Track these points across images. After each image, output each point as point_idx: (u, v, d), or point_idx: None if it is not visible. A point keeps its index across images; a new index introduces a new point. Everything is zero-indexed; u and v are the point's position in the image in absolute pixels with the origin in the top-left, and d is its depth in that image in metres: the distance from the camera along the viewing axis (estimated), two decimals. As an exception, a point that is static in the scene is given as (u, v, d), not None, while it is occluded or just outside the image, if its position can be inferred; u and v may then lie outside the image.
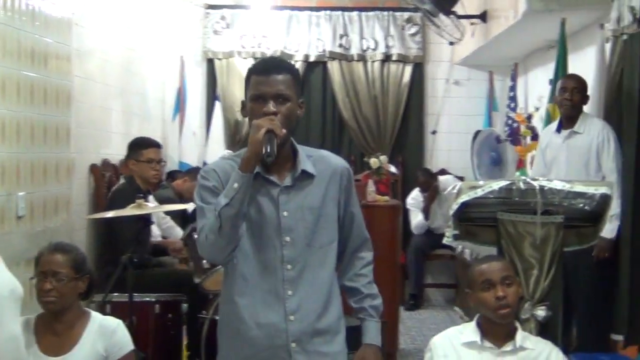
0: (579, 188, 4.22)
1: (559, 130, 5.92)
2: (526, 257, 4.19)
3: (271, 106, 2.89)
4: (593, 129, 5.74)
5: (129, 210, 5.03)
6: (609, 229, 5.36)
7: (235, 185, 2.80)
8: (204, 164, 9.56)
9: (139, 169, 5.98)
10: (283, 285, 2.95)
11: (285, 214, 2.95)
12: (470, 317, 3.76)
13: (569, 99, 5.81)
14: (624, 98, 5.57)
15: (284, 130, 2.85)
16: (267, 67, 2.97)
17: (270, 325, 2.95)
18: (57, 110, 5.76)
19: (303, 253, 2.97)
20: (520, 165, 8.10)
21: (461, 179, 9.37)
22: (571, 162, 5.79)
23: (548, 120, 6.61)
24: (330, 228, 3.07)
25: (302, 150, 3.05)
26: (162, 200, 6.81)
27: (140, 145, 6.08)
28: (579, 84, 5.85)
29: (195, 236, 5.18)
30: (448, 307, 9.50)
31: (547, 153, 6.02)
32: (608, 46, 5.99)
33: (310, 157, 3.05)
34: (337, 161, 3.16)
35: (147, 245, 5.95)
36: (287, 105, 2.92)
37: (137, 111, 8.29)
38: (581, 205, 4.23)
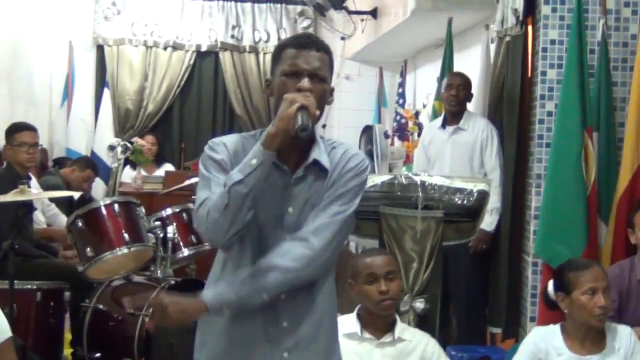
0: (458, 184, 4.34)
1: (443, 126, 6.03)
2: (407, 251, 4.29)
3: (306, 82, 2.57)
4: (477, 126, 5.87)
5: (10, 196, 4.94)
6: (488, 222, 5.51)
7: (254, 161, 2.48)
8: (92, 152, 9.45)
9: (13, 153, 5.87)
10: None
11: (290, 210, 2.65)
12: (343, 310, 3.82)
13: (455, 95, 5.92)
14: (505, 98, 5.73)
15: (318, 112, 2.56)
16: (305, 42, 2.65)
17: (259, 329, 2.66)
18: (-62, 93, 5.62)
19: None
20: (408, 161, 8.23)
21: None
22: (455, 158, 5.90)
23: (434, 116, 6.73)
24: None
25: (323, 142, 2.70)
26: (48, 187, 6.70)
27: (13, 130, 5.96)
28: (464, 82, 5.98)
29: (80, 224, 5.15)
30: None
31: (430, 149, 6.11)
32: (493, 47, 6.14)
33: (332, 150, 2.71)
34: (352, 152, 2.74)
35: (30, 232, 5.85)
36: (323, 86, 2.61)
37: (24, 96, 8.13)
38: (460, 200, 4.35)
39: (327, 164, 2.66)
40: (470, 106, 6.09)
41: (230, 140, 2.70)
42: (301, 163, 2.64)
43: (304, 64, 2.59)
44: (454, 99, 5.92)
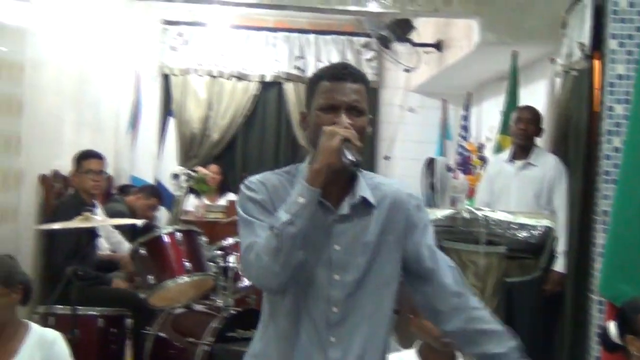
0: (521, 220, 4.30)
1: (512, 160, 5.97)
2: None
3: (344, 118, 2.49)
4: (547, 163, 5.80)
5: (75, 223, 5.01)
6: (561, 264, 5.44)
7: (301, 199, 2.40)
8: (156, 180, 9.54)
9: (80, 180, 5.96)
10: (326, 331, 2.55)
11: (337, 247, 2.54)
12: (403, 346, 3.78)
13: (524, 129, 5.87)
14: (571, 133, 5.66)
15: (360, 143, 2.46)
16: (340, 73, 2.55)
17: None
18: (7, 119, 5.72)
19: (353, 295, 2.56)
20: (471, 194, 8.16)
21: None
22: (522, 193, 5.83)
23: (498, 150, 6.67)
24: (388, 268, 2.62)
25: (362, 176, 2.61)
26: (113, 214, 6.77)
27: (81, 157, 6.06)
28: (534, 116, 5.92)
29: (142, 251, 5.20)
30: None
31: (496, 181, 6.04)
32: (558, 80, 6.08)
33: (368, 184, 2.62)
34: (400, 188, 2.69)
35: (93, 259, 5.92)
36: (362, 118, 2.53)
37: (90, 123, 8.24)
38: (524, 236, 4.30)
39: (372, 199, 2.58)
40: (537, 142, 6.03)
41: (267, 178, 2.61)
42: (343, 198, 2.56)
43: (340, 97, 2.52)
44: (522, 133, 5.86)
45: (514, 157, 5.96)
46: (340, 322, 2.54)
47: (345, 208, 2.55)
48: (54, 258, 5.60)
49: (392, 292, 2.65)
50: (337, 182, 2.52)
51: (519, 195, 5.82)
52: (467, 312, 2.70)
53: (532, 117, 5.90)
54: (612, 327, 3.75)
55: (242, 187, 2.61)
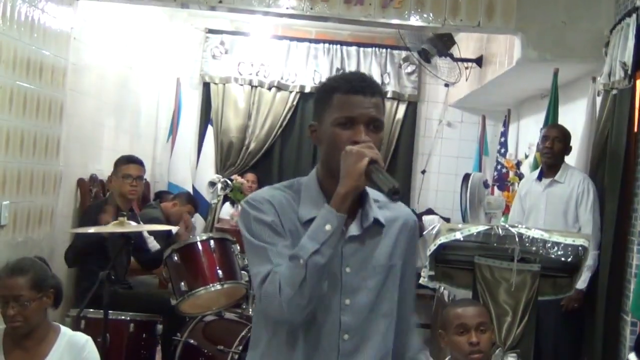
0: (556, 238, 4.25)
1: (540, 178, 5.97)
2: (500, 303, 4.22)
3: (363, 134, 2.32)
4: (574, 180, 5.80)
5: (110, 227, 5.04)
6: (580, 280, 5.39)
7: (328, 227, 2.22)
8: (193, 187, 9.58)
9: (117, 184, 5.99)
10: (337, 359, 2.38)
11: (348, 270, 2.37)
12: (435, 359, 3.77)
13: (550, 148, 5.88)
14: (609, 152, 5.62)
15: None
16: (358, 86, 2.36)
17: None
18: (48, 122, 5.79)
19: (365, 321, 2.39)
20: (507, 211, 8.11)
21: (447, 220, 9.40)
22: (550, 211, 5.83)
23: (535, 168, 6.64)
24: (394, 293, 2.47)
25: (370, 193, 2.44)
26: (148, 220, 6.81)
27: (120, 162, 6.10)
28: (561, 134, 5.92)
29: (175, 258, 5.20)
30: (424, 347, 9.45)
31: (526, 200, 6.06)
32: (599, 99, 6.04)
33: (376, 202, 2.45)
34: (407, 211, 2.56)
35: (126, 265, 5.96)
36: (380, 134, 2.37)
37: (129, 129, 8.32)
38: (558, 255, 4.26)
39: (382, 219, 2.43)
40: (572, 159, 6.00)
41: (272, 195, 2.42)
42: (351, 218, 2.37)
43: (360, 109, 2.34)
44: (548, 151, 5.87)
45: (542, 175, 5.96)
46: (352, 350, 2.38)
47: (356, 229, 2.39)
48: (95, 261, 5.64)
49: (394, 320, 2.48)
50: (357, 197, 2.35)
51: (547, 213, 5.83)
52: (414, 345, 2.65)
53: (559, 135, 5.90)
54: (633, 356, 3.73)
55: (245, 205, 2.42)
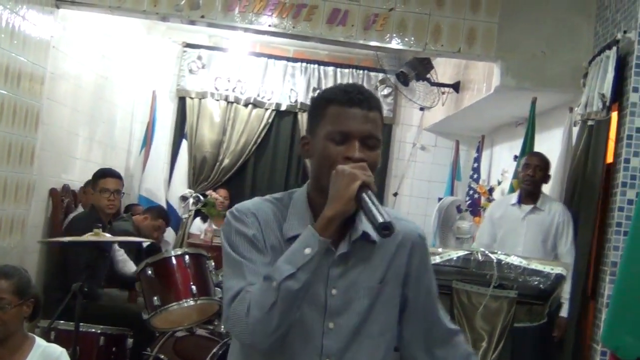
0: (535, 265, 4.27)
1: (519, 204, 5.99)
2: (477, 329, 4.22)
3: (358, 151, 2.16)
4: (554, 209, 5.84)
5: (85, 237, 5.00)
6: (565, 309, 5.45)
7: (308, 250, 2.07)
8: (166, 202, 9.53)
9: (95, 198, 5.97)
10: None
11: (334, 292, 2.21)
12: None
13: (532, 176, 5.91)
14: (585, 183, 5.66)
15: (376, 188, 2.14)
16: (356, 98, 2.19)
17: None
18: (24, 131, 5.74)
19: (348, 344, 2.22)
20: (478, 236, 8.15)
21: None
22: (529, 238, 5.85)
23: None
24: (387, 315, 2.29)
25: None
26: (119, 233, 6.76)
27: (98, 175, 6.08)
28: (542, 162, 5.96)
29: (149, 272, 5.16)
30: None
31: (501, 224, 6.06)
32: (575, 129, 6.09)
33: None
34: (410, 227, 2.35)
35: (101, 277, 5.90)
36: (376, 152, 2.20)
37: (103, 140, 8.27)
38: (536, 283, 4.28)
39: (374, 235, 2.22)
40: (547, 188, 6.04)
41: (258, 207, 2.27)
42: (342, 237, 2.22)
43: (356, 124, 2.17)
44: (529, 179, 5.91)
45: (521, 201, 5.98)
46: None
47: (343, 247, 2.22)
48: (69, 272, 5.59)
49: (387, 342, 2.31)
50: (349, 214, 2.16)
51: (526, 240, 5.85)
52: None
53: (540, 163, 5.95)
54: None
55: (229, 215, 2.28)
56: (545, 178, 5.98)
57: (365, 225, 2.21)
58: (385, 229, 2.02)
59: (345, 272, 2.22)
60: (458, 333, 2.32)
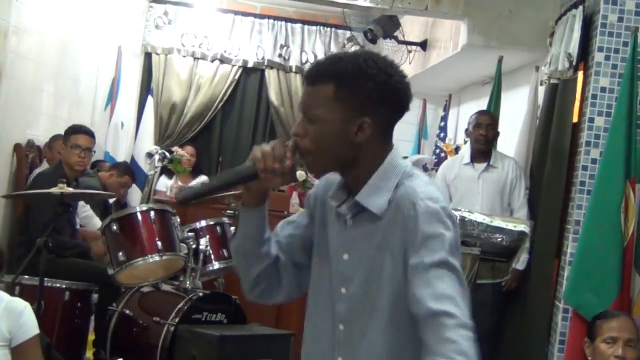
0: (498, 223, 4.32)
1: (472, 163, 6.02)
2: (439, 286, 4.25)
3: (295, 125, 2.19)
4: (506, 165, 5.92)
5: (45, 192, 4.96)
6: (522, 261, 5.50)
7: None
8: (132, 159, 9.49)
9: (65, 153, 5.91)
10: (333, 351, 2.23)
11: (345, 256, 2.21)
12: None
13: (484, 135, 5.94)
14: (551, 142, 5.69)
15: (288, 161, 2.14)
16: (305, 75, 2.22)
17: None
18: (-14, 85, 5.68)
19: (357, 312, 2.18)
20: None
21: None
22: (486, 196, 5.89)
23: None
24: (393, 287, 2.14)
25: (390, 177, 2.17)
26: (85, 189, 6.73)
27: (70, 131, 6.01)
28: (493, 120, 6.03)
29: (114, 227, 5.17)
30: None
31: (456, 184, 6.06)
32: (541, 89, 6.11)
33: (396, 189, 2.15)
34: (404, 192, 2.15)
35: (67, 232, 5.87)
36: (315, 125, 2.14)
37: (69, 95, 8.19)
38: (499, 240, 4.33)
39: (376, 207, 2.15)
40: (512, 147, 6.08)
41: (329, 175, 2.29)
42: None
43: (300, 101, 2.21)
44: (482, 138, 5.95)
45: (474, 160, 6.01)
46: (347, 342, 2.21)
47: (345, 209, 2.20)
48: (29, 228, 5.56)
49: (400, 317, 2.13)
50: (358, 182, 2.18)
51: (484, 198, 5.89)
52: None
53: (491, 122, 6.01)
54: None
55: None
56: (496, 135, 6.03)
57: (365, 196, 2.16)
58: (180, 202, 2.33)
59: (357, 237, 2.19)
60: (440, 315, 1.98)
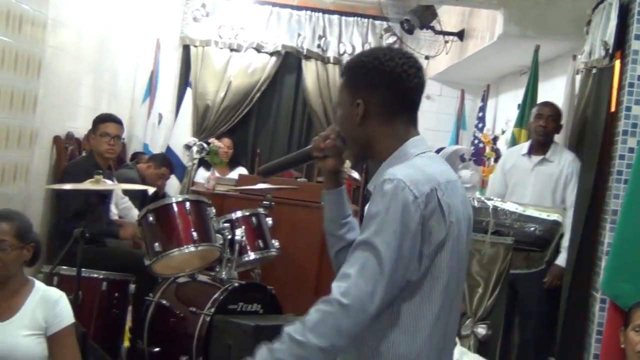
0: (531, 212, 4.30)
1: (529, 154, 5.96)
2: (473, 275, 4.25)
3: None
4: (564, 160, 5.82)
5: (85, 185, 5.02)
6: (563, 258, 5.46)
7: None
8: (168, 149, 9.55)
9: (95, 142, 5.98)
10: None
11: None
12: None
13: (544, 126, 5.86)
14: (588, 131, 5.64)
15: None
16: None
17: None
18: (26, 78, 5.73)
19: None
20: (483, 185, 8.15)
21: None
22: (537, 189, 5.82)
23: (513, 144, 6.66)
24: None
25: (391, 164, 2.35)
26: (123, 180, 6.79)
27: (99, 120, 6.08)
28: (554, 112, 5.92)
29: (150, 218, 5.21)
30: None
31: (511, 174, 6.03)
32: (578, 78, 6.06)
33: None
34: (382, 176, 2.30)
35: (103, 222, 5.93)
36: (339, 114, 2.48)
37: (107, 88, 8.25)
38: (532, 229, 4.30)
39: (370, 191, 2.35)
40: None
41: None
42: None
43: None
44: (542, 130, 5.86)
45: (531, 152, 5.95)
46: None
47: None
48: (60, 218, 5.64)
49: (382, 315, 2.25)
50: (374, 171, 2.43)
51: (534, 190, 5.82)
52: None
53: (552, 113, 5.90)
54: None
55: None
56: (557, 128, 5.95)
57: (370, 183, 2.39)
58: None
59: None
60: (330, 292, 2.17)
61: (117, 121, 6.09)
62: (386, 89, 2.37)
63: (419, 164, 2.32)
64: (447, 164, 2.44)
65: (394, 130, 2.39)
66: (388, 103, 2.38)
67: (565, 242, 5.50)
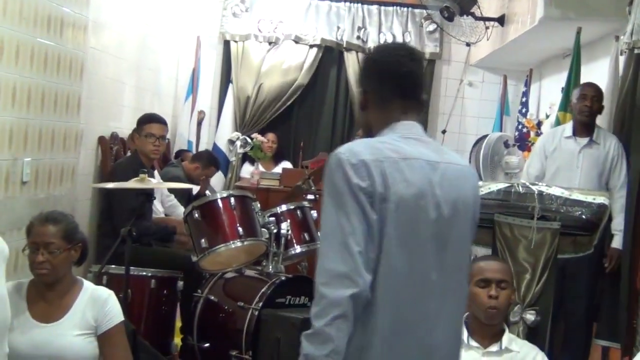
0: (577, 196, 4.25)
1: (574, 136, 5.89)
2: (520, 261, 4.22)
3: None
4: (609, 142, 5.76)
5: (131, 184, 5.06)
6: (618, 241, 5.43)
7: None
8: (214, 145, 9.62)
9: (140, 143, 6.02)
10: None
11: None
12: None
13: (589, 107, 5.79)
14: (635, 112, 5.57)
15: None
16: None
17: None
18: (69, 80, 5.79)
19: None
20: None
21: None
22: (586, 172, 5.76)
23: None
24: None
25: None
26: (169, 179, 6.85)
27: (144, 120, 6.12)
28: (598, 93, 5.85)
29: (196, 215, 5.24)
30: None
31: (554, 158, 5.96)
32: (622, 59, 5.98)
33: None
34: None
35: (149, 221, 5.98)
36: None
37: (150, 87, 8.32)
38: (579, 213, 4.25)
39: None
40: (596, 119, 5.96)
41: None
42: None
43: None
44: (587, 110, 5.79)
45: (576, 134, 5.88)
46: None
47: None
48: (115, 218, 5.69)
49: None
50: None
51: (583, 173, 5.77)
52: None
53: (595, 94, 5.84)
54: None
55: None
56: (600, 109, 5.88)
57: None
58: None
59: None
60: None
61: (162, 121, 6.14)
62: (378, 78, 2.59)
63: (376, 141, 2.49)
64: (429, 149, 2.52)
65: (387, 117, 2.55)
66: (379, 90, 2.58)
67: (619, 225, 5.46)
